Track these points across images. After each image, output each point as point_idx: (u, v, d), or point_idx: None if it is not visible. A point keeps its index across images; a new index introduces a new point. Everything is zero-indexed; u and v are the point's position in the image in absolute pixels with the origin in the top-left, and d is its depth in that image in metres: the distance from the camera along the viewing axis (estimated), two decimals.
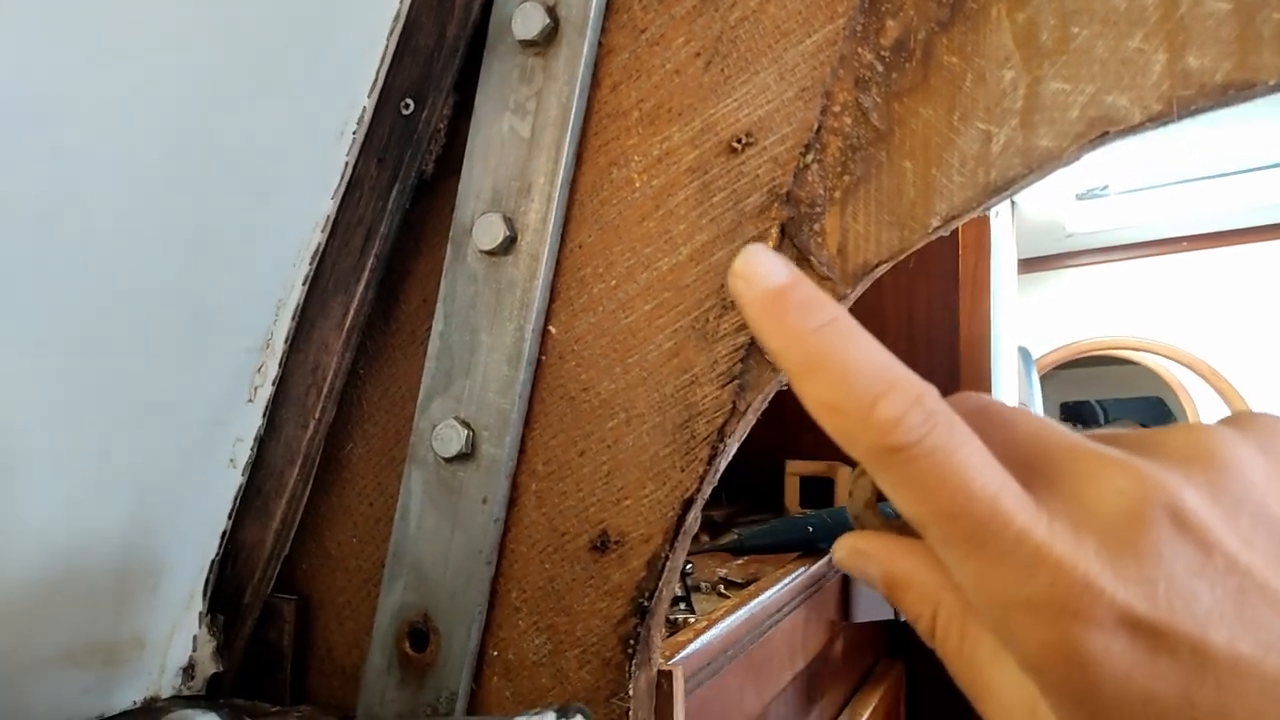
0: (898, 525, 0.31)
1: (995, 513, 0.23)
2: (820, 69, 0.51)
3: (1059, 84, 0.46)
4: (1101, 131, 0.46)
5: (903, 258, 0.50)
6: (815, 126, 0.51)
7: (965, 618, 0.27)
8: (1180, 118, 0.45)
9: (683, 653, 0.62)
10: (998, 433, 0.26)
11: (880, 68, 0.50)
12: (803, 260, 0.51)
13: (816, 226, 0.51)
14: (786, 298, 0.24)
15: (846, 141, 0.51)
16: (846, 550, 0.31)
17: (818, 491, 1.44)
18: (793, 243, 0.52)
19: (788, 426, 1.66)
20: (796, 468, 1.44)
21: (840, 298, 0.51)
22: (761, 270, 0.24)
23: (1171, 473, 0.23)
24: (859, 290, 0.51)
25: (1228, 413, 0.30)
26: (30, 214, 0.44)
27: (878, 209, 0.50)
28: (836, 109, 0.51)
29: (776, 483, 1.46)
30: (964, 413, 0.25)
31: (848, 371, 0.24)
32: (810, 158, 0.51)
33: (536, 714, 0.40)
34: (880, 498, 0.32)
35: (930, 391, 0.24)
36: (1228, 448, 0.24)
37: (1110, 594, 0.22)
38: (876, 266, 0.50)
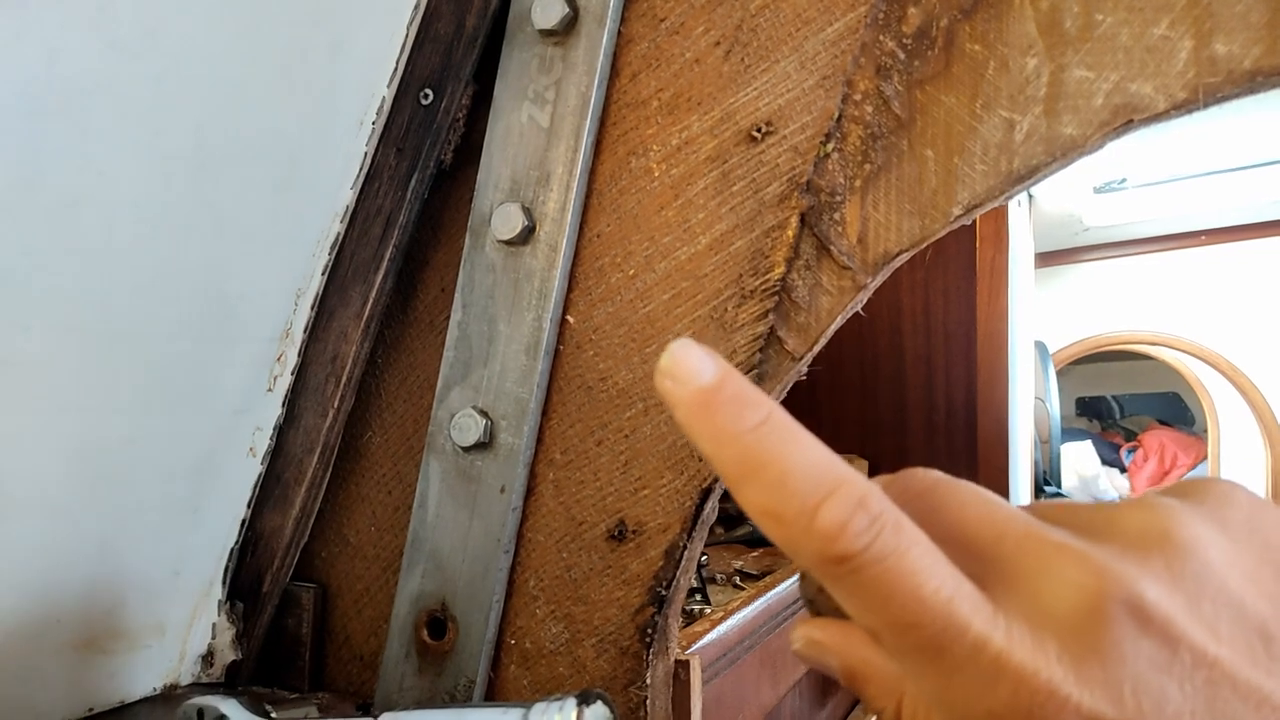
0: None
1: (950, 621, 0.22)
2: (841, 57, 0.51)
3: (1083, 71, 0.46)
4: (1126, 120, 0.45)
5: (924, 246, 0.50)
6: (836, 115, 0.51)
7: (930, 710, 0.26)
8: (1206, 106, 0.44)
9: (699, 643, 0.62)
10: (946, 518, 0.25)
11: (902, 55, 0.50)
12: (823, 249, 0.51)
13: (837, 215, 0.51)
14: (716, 396, 0.23)
15: (867, 130, 0.50)
16: (803, 642, 0.30)
17: None
18: (812, 232, 0.51)
19: (803, 418, 1.66)
20: None
21: (861, 287, 0.50)
22: (689, 367, 0.23)
23: (1127, 561, 0.22)
24: (879, 279, 0.51)
25: (1201, 473, 0.28)
26: (57, 202, 0.44)
27: (899, 197, 0.50)
28: (858, 97, 0.51)
29: None
30: (912, 494, 0.25)
31: (785, 475, 0.22)
32: (831, 146, 0.51)
33: (557, 700, 0.40)
34: None
35: (873, 491, 0.23)
36: (1183, 527, 0.23)
37: (1076, 701, 0.21)
38: (897, 255, 0.50)
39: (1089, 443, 6.30)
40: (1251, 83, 0.42)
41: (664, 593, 0.54)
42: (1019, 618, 0.22)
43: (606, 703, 0.39)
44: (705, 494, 0.53)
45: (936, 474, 0.27)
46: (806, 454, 0.23)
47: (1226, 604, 0.22)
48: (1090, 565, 0.22)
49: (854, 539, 0.22)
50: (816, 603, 0.30)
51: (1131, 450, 6.37)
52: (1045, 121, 0.46)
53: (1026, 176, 0.47)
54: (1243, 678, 0.21)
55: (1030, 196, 2.24)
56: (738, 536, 1.05)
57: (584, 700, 0.39)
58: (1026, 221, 1.85)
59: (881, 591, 0.22)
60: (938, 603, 0.22)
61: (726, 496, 0.57)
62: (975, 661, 0.22)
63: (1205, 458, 5.41)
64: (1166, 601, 0.22)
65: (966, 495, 0.26)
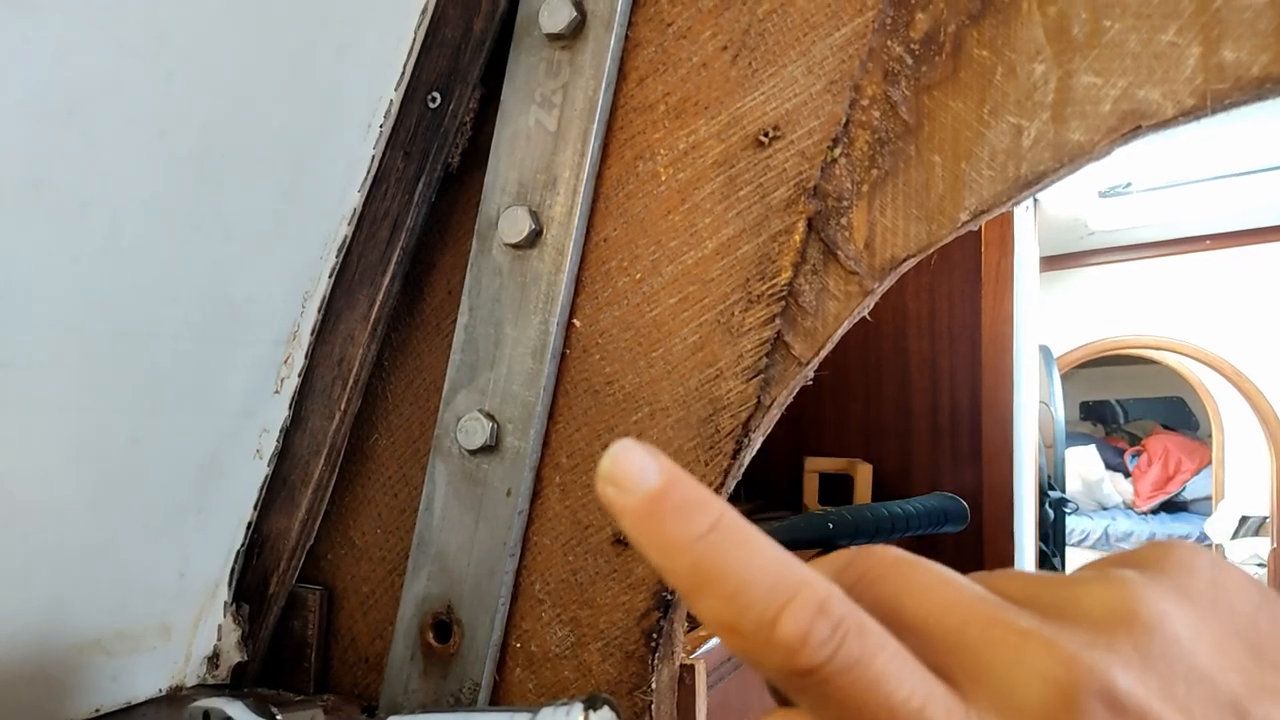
0: None
1: None
2: (849, 62, 0.51)
3: (1091, 77, 0.46)
4: (1134, 126, 0.45)
5: (930, 252, 0.50)
6: (843, 120, 0.51)
7: None
8: (1214, 112, 0.44)
9: (704, 648, 0.62)
10: (908, 604, 0.24)
11: (909, 61, 0.50)
12: (830, 254, 0.51)
13: (844, 220, 0.51)
14: (663, 503, 0.22)
15: (875, 135, 0.50)
16: None
17: (837, 488, 1.43)
18: (819, 237, 0.51)
19: (807, 422, 1.66)
20: (816, 464, 1.44)
21: (868, 292, 0.50)
22: (632, 472, 0.22)
23: (1096, 648, 0.22)
24: (886, 284, 0.51)
25: (1158, 538, 0.27)
26: (64, 203, 0.44)
27: (906, 203, 0.50)
28: (865, 102, 0.51)
29: (795, 479, 1.46)
30: (871, 579, 0.24)
31: (741, 584, 0.21)
32: (838, 151, 0.51)
33: (563, 705, 0.40)
34: None
35: (833, 594, 0.22)
36: (1148, 604, 0.23)
37: None
38: (904, 260, 0.50)
39: (1093, 447, 6.29)
40: (1259, 89, 0.42)
41: (669, 597, 0.54)
42: (991, 715, 0.21)
43: (613, 707, 0.39)
44: None
45: (895, 554, 0.26)
46: (761, 559, 0.22)
47: (1199, 682, 0.22)
48: (1060, 655, 0.21)
49: (817, 650, 0.21)
50: (782, 691, 0.29)
51: (1135, 455, 6.36)
52: (1053, 127, 0.47)
53: (1034, 182, 0.47)
54: None
55: (1035, 201, 2.24)
56: None
57: (591, 705, 0.39)
58: (1031, 226, 1.85)
59: (850, 703, 0.21)
60: (908, 712, 0.21)
61: (732, 500, 0.57)
62: None
63: (1209, 462, 5.40)
64: (1140, 688, 0.21)
65: (927, 578, 0.25)
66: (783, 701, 0.27)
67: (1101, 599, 0.23)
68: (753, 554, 0.22)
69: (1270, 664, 0.23)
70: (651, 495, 0.22)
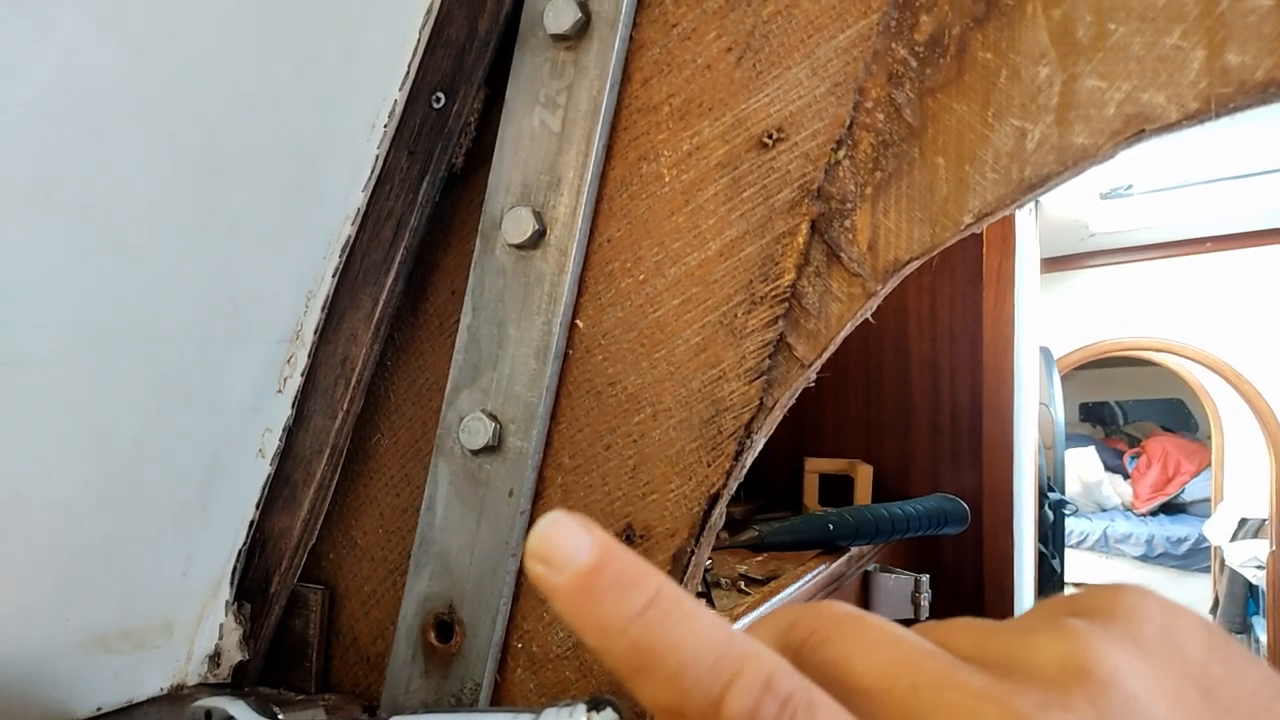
0: None
1: None
2: (853, 64, 0.51)
3: (1095, 81, 0.46)
4: (1138, 129, 0.45)
5: (934, 254, 0.50)
6: (847, 122, 0.51)
7: None
8: (1218, 116, 0.44)
9: None
10: (859, 666, 0.23)
11: (914, 63, 0.50)
12: (833, 256, 0.51)
13: (847, 223, 0.51)
14: (597, 580, 0.21)
15: (879, 137, 0.50)
16: None
17: (837, 489, 1.44)
18: (823, 239, 0.51)
19: (807, 423, 1.66)
20: (816, 465, 1.44)
21: (870, 294, 0.51)
22: (562, 548, 0.21)
23: (1051, 708, 0.21)
24: (889, 287, 0.51)
25: (1114, 581, 0.26)
26: (71, 202, 0.44)
27: (909, 205, 0.50)
28: (869, 104, 0.51)
29: (796, 480, 1.46)
30: (818, 640, 0.24)
31: (683, 664, 0.20)
32: (842, 153, 0.51)
33: (566, 705, 0.40)
34: None
35: (779, 668, 0.21)
36: (1102, 659, 0.22)
37: None
38: (908, 263, 0.50)
39: (1092, 449, 6.29)
40: (1264, 94, 0.42)
41: None
42: None
43: (616, 708, 0.39)
44: (713, 500, 0.53)
45: (841, 611, 0.25)
46: (702, 635, 0.21)
47: None
48: (1015, 718, 0.21)
49: None
50: None
51: (1135, 457, 6.36)
52: (1057, 130, 0.47)
53: (1038, 185, 0.47)
54: None
55: (1036, 202, 2.24)
56: (742, 541, 1.05)
57: (594, 706, 0.39)
58: (1033, 227, 1.85)
59: None
60: None
61: (730, 502, 0.57)
62: None
63: (1209, 465, 5.40)
64: None
65: (875, 636, 0.24)
66: None
67: (1053, 653, 0.22)
68: (693, 630, 0.21)
69: (1225, 710, 0.22)
70: (585, 572, 0.21)
